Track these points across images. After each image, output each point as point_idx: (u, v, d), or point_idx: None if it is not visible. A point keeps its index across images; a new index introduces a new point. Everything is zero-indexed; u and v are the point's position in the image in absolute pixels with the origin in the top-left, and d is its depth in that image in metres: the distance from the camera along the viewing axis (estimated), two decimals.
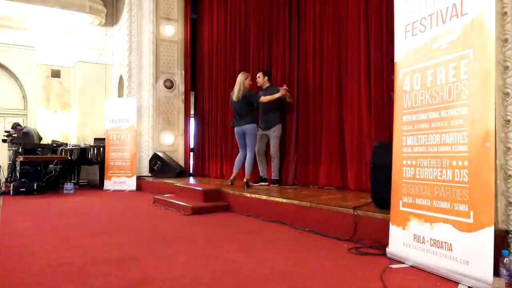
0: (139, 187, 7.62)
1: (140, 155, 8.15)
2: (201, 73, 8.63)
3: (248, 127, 5.42)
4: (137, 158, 7.93)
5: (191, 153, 8.79)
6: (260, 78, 5.89)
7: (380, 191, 3.13)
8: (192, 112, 9.02)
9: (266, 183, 5.70)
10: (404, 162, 2.63)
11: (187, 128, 8.64)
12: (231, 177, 5.65)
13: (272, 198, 4.20)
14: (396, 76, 2.75)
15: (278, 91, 5.45)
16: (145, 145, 8.18)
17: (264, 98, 5.45)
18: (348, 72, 5.01)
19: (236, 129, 5.53)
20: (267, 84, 5.83)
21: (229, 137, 7.26)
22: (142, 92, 8.22)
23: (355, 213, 3.20)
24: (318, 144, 5.42)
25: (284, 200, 4.01)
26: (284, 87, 5.48)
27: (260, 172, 5.89)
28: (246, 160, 5.44)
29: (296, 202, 3.84)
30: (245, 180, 5.37)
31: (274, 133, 5.63)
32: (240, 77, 5.48)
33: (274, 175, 5.65)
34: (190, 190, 5.35)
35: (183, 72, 8.61)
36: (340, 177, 5.08)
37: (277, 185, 5.59)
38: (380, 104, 4.56)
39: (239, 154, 5.60)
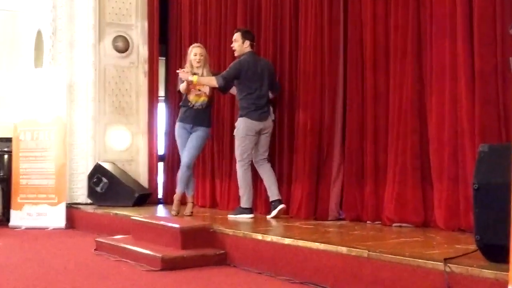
0: (71, 223, 7.65)
1: (73, 168, 8.18)
2: (178, 27, 8.65)
3: None
4: (67, 173, 7.97)
5: (161, 165, 8.82)
6: (237, 43, 6.17)
7: (491, 230, 3.10)
8: (161, 93, 9.04)
9: (281, 206, 5.95)
10: None
11: (153, 121, 8.65)
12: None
13: (300, 243, 4.19)
14: None
15: (237, 61, 6.17)
16: (82, 151, 8.22)
17: (180, 88, 6.46)
18: (433, 22, 4.98)
19: None
20: (245, 52, 6.14)
21: (227, 138, 7.31)
22: (75, 59, 8.26)
23: (447, 269, 3.18)
24: (381, 149, 5.42)
25: (322, 246, 4.00)
26: (181, 69, 6.29)
27: (269, 194, 6.09)
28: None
29: (343, 249, 3.84)
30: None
31: (235, 130, 6.24)
32: None
33: (243, 202, 6.11)
34: (159, 228, 5.37)
35: (147, 24, 8.64)
36: (419, 206, 5.06)
37: (245, 216, 5.99)
38: (490, 79, 4.54)
39: None
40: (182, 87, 6.31)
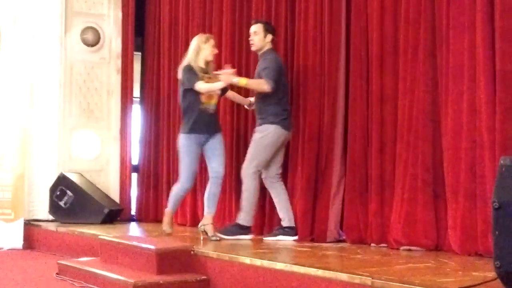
0: (29, 243, 7.62)
1: (33, 179, 8.16)
2: (156, 18, 8.67)
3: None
4: (26, 185, 7.94)
5: (135, 176, 8.81)
6: (258, 36, 6.07)
7: None
8: (136, 93, 9.03)
9: (295, 238, 5.89)
10: None
11: (127, 126, 8.66)
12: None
13: (295, 268, 4.17)
14: None
15: (274, 60, 5.99)
16: (43, 159, 8.20)
17: (204, 87, 5.98)
18: (450, 16, 5.01)
19: None
20: (268, 48, 6.10)
21: None
22: (38, 53, 8.26)
23: None
24: (388, 160, 5.44)
25: (320, 273, 3.98)
26: (227, 68, 5.92)
27: (284, 216, 6.03)
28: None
29: (344, 276, 3.83)
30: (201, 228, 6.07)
31: (254, 135, 6.12)
32: (193, 42, 6.23)
33: (241, 218, 6.01)
34: (132, 249, 5.35)
35: (120, 14, 8.64)
36: (431, 226, 5.08)
37: (244, 237, 5.94)
38: None
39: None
40: (216, 86, 5.98)
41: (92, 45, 8.49)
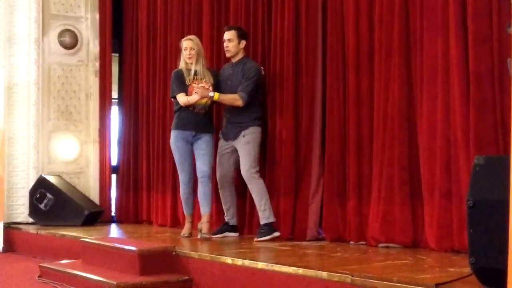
0: (10, 246, 7.60)
1: (12, 182, 8.12)
2: (133, 20, 8.67)
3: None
4: (5, 188, 7.92)
5: (114, 177, 8.83)
6: (232, 43, 6.18)
7: (487, 252, 3.16)
8: (115, 95, 9.03)
9: (235, 233, 6.25)
10: None
11: (106, 127, 8.65)
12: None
13: (276, 267, 4.23)
14: None
15: (255, 70, 6.18)
16: (22, 162, 8.17)
17: (181, 100, 6.26)
18: (423, 18, 5.09)
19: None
20: (240, 55, 6.26)
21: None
22: (15, 56, 8.22)
23: None
24: (365, 160, 5.51)
25: (301, 271, 4.04)
26: (200, 85, 6.12)
27: (226, 215, 6.31)
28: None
29: (324, 274, 3.89)
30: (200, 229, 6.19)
31: (244, 139, 6.17)
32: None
33: (266, 217, 5.93)
34: (114, 251, 5.38)
35: (98, 16, 8.64)
36: (408, 224, 5.15)
37: (268, 237, 5.84)
38: (486, 82, 4.64)
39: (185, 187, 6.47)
40: (190, 100, 6.16)
41: (70, 48, 8.47)
